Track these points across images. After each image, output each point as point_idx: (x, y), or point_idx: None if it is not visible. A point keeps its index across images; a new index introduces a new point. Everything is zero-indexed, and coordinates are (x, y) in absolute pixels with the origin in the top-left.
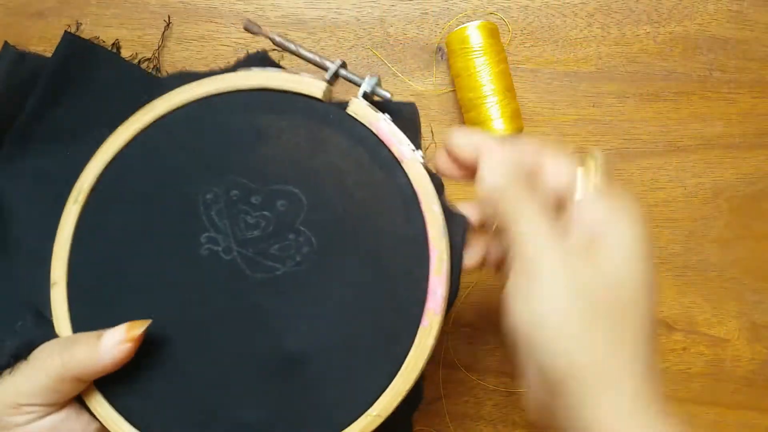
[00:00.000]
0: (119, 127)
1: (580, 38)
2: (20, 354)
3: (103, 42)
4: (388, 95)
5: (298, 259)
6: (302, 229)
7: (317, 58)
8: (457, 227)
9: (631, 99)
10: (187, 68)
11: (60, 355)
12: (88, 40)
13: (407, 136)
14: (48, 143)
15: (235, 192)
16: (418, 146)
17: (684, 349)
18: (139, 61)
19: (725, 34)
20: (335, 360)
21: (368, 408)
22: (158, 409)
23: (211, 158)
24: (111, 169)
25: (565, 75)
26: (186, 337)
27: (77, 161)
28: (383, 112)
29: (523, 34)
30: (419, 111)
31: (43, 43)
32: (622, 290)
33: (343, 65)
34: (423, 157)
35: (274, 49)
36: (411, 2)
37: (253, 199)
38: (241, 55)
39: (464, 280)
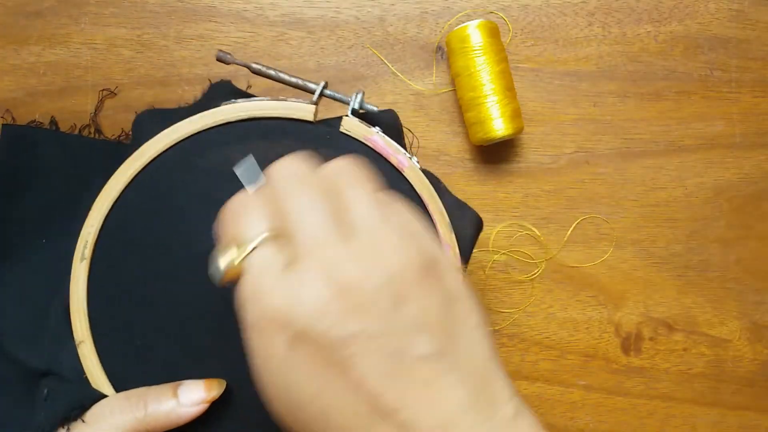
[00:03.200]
0: (113, 176)
1: (580, 37)
2: (72, 416)
3: (41, 123)
4: (375, 109)
5: None
6: None
7: (300, 81)
8: (465, 218)
9: (631, 98)
10: (157, 104)
11: (132, 412)
12: (25, 126)
13: (393, 140)
14: (20, 237)
15: None
16: (404, 148)
17: (685, 349)
18: (80, 130)
19: (726, 33)
20: None
21: None
22: None
23: (215, 196)
24: (112, 218)
25: (565, 74)
26: (230, 371)
27: (56, 246)
28: (372, 125)
29: (524, 33)
30: (410, 110)
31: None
32: None
33: (326, 86)
34: (418, 162)
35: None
36: (411, 1)
37: None
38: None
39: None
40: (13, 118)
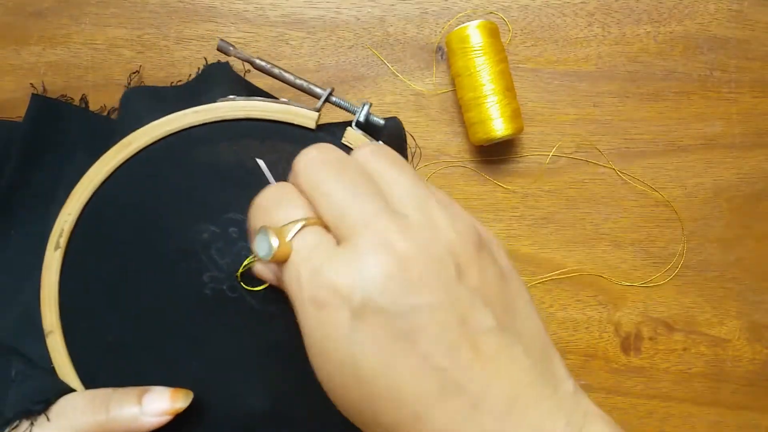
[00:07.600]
0: (96, 163)
1: (580, 38)
2: (37, 409)
3: (71, 99)
4: (381, 122)
5: None
6: None
7: (305, 84)
8: None
9: (631, 99)
10: (157, 80)
11: (94, 414)
12: (56, 99)
13: (396, 150)
14: (31, 209)
15: (233, 229)
16: (406, 158)
17: (684, 349)
18: (108, 112)
19: (726, 33)
20: None
21: None
22: None
23: (201, 195)
24: (92, 208)
25: (565, 74)
26: (202, 377)
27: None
28: (372, 136)
29: (524, 33)
30: (414, 113)
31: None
32: None
33: (332, 92)
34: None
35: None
36: (411, 2)
37: None
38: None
39: None
40: (44, 89)
